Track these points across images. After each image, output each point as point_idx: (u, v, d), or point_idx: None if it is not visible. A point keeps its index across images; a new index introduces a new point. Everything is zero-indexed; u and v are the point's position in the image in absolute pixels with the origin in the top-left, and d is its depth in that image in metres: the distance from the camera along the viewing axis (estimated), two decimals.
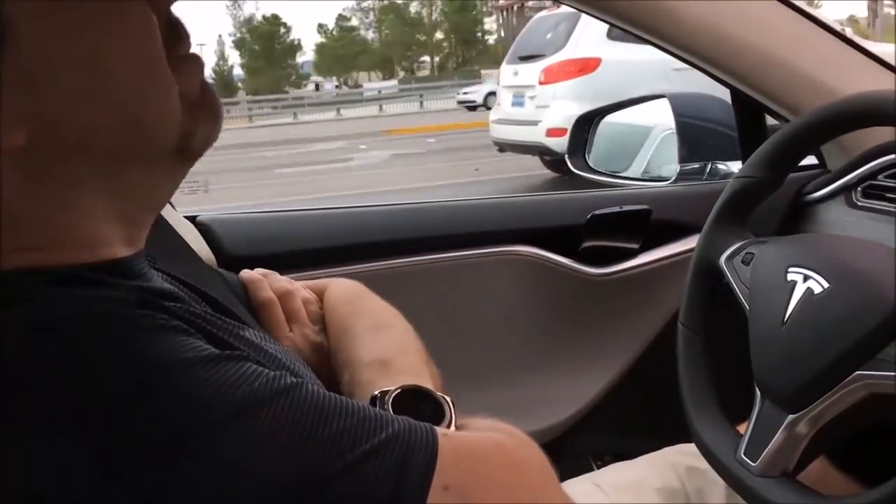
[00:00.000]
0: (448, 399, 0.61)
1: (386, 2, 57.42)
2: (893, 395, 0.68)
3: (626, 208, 1.33)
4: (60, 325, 0.46)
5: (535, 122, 6.82)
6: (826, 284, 0.74)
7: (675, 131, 1.55)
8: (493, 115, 7.89)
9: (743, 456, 0.78)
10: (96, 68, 0.49)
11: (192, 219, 1.18)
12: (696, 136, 1.55)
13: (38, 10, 0.47)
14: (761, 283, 0.81)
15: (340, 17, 58.53)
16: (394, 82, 42.82)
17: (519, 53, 7.56)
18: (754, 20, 1.16)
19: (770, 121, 1.33)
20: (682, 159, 1.52)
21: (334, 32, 58.28)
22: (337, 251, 1.20)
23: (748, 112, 1.35)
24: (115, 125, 0.50)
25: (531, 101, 7.07)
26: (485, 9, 51.38)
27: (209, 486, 0.43)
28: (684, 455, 1.01)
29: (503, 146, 7.81)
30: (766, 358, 0.78)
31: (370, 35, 58.28)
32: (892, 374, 0.68)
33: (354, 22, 58.62)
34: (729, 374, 0.87)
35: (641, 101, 1.77)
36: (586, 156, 1.75)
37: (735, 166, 1.40)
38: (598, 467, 1.30)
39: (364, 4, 57.62)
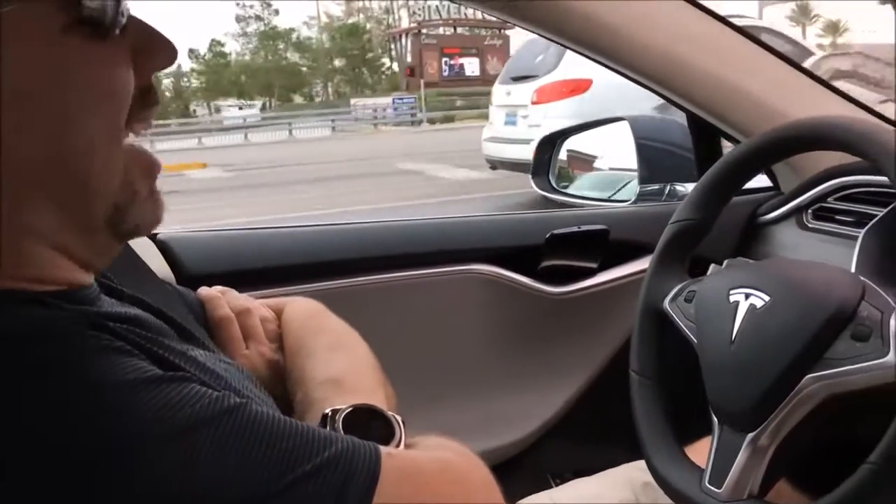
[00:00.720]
0: (398, 418, 0.62)
1: (266, 28, 56.51)
2: (847, 393, 0.70)
3: (584, 228, 1.35)
4: (2, 342, 0.46)
5: (527, 141, 6.92)
6: (767, 298, 0.76)
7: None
8: (485, 133, 8.00)
9: (708, 485, 0.79)
10: (62, 114, 0.49)
11: (151, 236, 1.18)
12: (655, 158, 1.58)
13: (22, 38, 0.47)
14: (706, 312, 0.83)
15: (214, 43, 57.15)
16: (255, 110, 42.10)
17: (511, 74, 7.68)
18: (707, 45, 1.19)
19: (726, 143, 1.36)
20: (642, 180, 1.54)
21: (206, 58, 56.69)
22: (297, 269, 1.20)
23: (703, 135, 1.38)
24: (64, 172, 0.50)
25: (524, 121, 7.21)
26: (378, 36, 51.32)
27: None
28: (641, 471, 1.02)
29: (495, 164, 7.91)
30: (719, 382, 0.80)
31: (257, 60, 56.92)
32: (842, 369, 0.70)
33: (230, 48, 57.35)
34: (682, 411, 0.88)
35: (602, 124, 1.80)
36: (549, 176, 1.78)
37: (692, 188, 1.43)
38: (557, 484, 1.31)
39: (248, 29, 56.64)
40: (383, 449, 0.51)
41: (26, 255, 0.51)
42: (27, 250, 0.51)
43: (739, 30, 1.22)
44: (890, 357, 0.68)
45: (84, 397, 0.45)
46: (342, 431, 0.58)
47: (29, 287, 0.51)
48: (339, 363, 0.72)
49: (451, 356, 1.33)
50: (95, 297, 0.56)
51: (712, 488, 0.78)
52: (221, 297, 0.81)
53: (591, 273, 1.37)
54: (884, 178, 0.74)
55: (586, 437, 1.37)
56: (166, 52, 0.55)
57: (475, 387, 1.35)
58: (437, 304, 1.30)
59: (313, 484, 0.47)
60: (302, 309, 0.83)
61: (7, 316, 0.48)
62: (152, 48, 0.54)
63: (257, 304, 0.82)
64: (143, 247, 1.09)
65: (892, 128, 0.86)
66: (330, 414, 0.60)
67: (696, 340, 0.84)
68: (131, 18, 0.53)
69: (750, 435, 0.76)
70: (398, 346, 1.26)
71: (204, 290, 0.82)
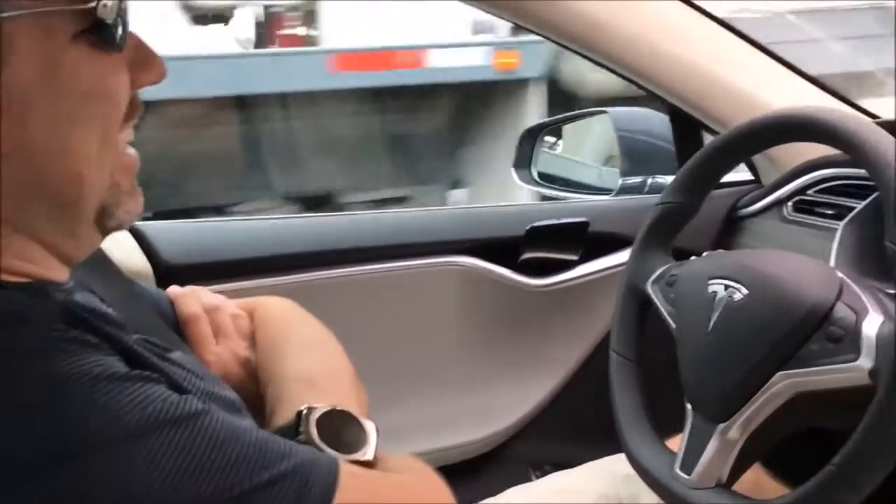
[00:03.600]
0: (373, 426, 0.62)
1: None
2: (818, 392, 0.70)
3: (564, 220, 1.34)
4: None
5: None
6: (745, 291, 0.76)
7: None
8: None
9: (678, 471, 0.80)
10: (67, 117, 0.51)
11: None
12: (637, 151, 1.57)
13: (34, 43, 0.49)
14: (685, 299, 0.83)
15: None
16: None
17: None
18: (688, 36, 1.19)
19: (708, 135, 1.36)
20: (624, 173, 1.54)
21: None
22: (276, 260, 1.19)
23: (685, 127, 1.38)
24: (62, 173, 0.52)
25: None
26: None
27: None
28: (622, 463, 1.02)
29: None
30: (695, 371, 0.80)
31: None
32: (814, 369, 0.70)
33: None
34: (662, 395, 0.88)
35: (584, 116, 1.79)
36: (531, 168, 1.77)
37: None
38: (537, 477, 1.31)
39: None
40: (345, 467, 0.52)
41: (13, 248, 0.52)
42: (15, 244, 0.52)
43: (721, 22, 1.22)
44: (861, 360, 0.68)
45: (45, 387, 0.45)
46: (315, 431, 0.58)
47: (6, 278, 0.51)
48: (313, 362, 0.72)
49: (431, 349, 1.33)
50: (70, 290, 0.56)
51: (682, 474, 0.79)
52: (191, 295, 0.80)
53: (571, 265, 1.37)
54: (863, 171, 0.74)
55: (567, 430, 1.37)
56: (159, 68, 0.57)
57: (455, 380, 1.35)
58: (415, 297, 1.29)
59: (267, 495, 0.47)
60: (275, 307, 0.82)
61: None
62: (146, 64, 0.57)
63: (228, 302, 0.81)
64: (119, 237, 1.08)
65: (870, 120, 0.86)
66: (305, 411, 0.60)
67: (674, 326, 0.84)
68: (129, 33, 0.55)
69: (721, 425, 0.76)
70: (377, 339, 1.26)
71: (174, 289, 0.81)
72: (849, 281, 0.74)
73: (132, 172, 0.58)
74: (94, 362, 0.47)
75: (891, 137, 0.71)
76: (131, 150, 0.59)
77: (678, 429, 0.84)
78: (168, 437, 0.46)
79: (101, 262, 0.71)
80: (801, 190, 1.22)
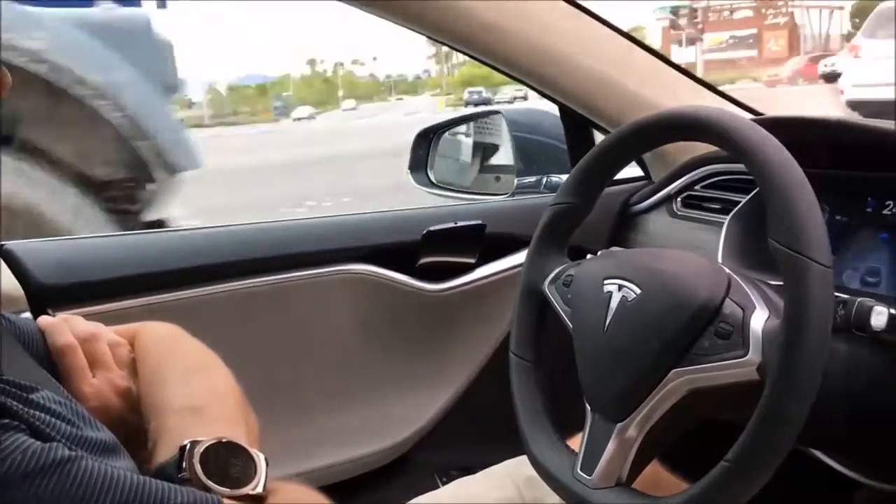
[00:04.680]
0: (261, 456, 0.59)
1: None
2: (711, 388, 0.71)
3: (460, 224, 1.34)
4: None
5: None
6: (638, 290, 0.77)
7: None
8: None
9: (580, 472, 0.80)
10: None
11: None
12: (530, 151, 1.58)
13: None
14: (581, 299, 0.84)
15: None
16: None
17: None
18: (576, 38, 1.20)
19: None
20: (518, 173, 1.54)
21: None
22: (160, 276, 1.13)
23: (576, 127, 1.39)
24: None
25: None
26: None
27: None
28: (523, 466, 1.02)
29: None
30: (592, 370, 0.80)
31: None
32: (706, 366, 0.71)
33: None
34: (562, 396, 0.88)
35: (477, 118, 1.80)
36: (427, 171, 1.76)
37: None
38: (444, 483, 1.30)
39: None
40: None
41: None
42: None
43: (608, 24, 1.23)
44: (749, 355, 0.69)
45: None
46: (199, 467, 0.55)
47: None
48: (197, 389, 0.68)
49: (330, 360, 1.30)
50: None
51: (583, 475, 0.79)
52: (63, 324, 0.75)
53: (469, 269, 1.36)
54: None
55: (472, 434, 1.36)
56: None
57: (357, 389, 1.32)
58: (312, 307, 1.26)
59: None
60: (157, 333, 0.78)
61: None
62: None
63: (106, 330, 0.76)
64: None
65: (751, 118, 0.88)
66: (188, 446, 0.57)
67: (571, 326, 0.84)
68: None
69: (619, 424, 0.77)
70: (270, 355, 1.22)
71: (44, 319, 0.76)
72: (736, 276, 0.76)
73: None
74: None
75: (768, 135, 0.72)
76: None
77: (580, 428, 0.84)
78: (32, 489, 0.43)
79: None
80: (689, 186, 1.25)
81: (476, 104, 30.73)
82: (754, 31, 43.01)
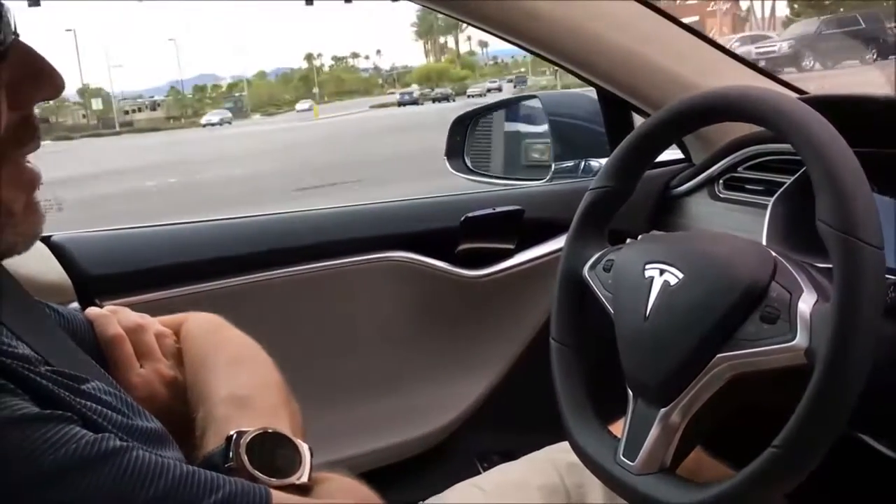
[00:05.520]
0: (305, 446, 0.60)
1: None
2: (756, 373, 0.70)
3: (498, 209, 1.33)
4: None
5: None
6: (681, 275, 0.76)
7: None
8: None
9: (622, 457, 0.79)
10: None
11: (45, 239, 1.10)
12: (568, 135, 1.57)
13: None
14: (622, 284, 0.83)
15: None
16: None
17: None
18: (613, 19, 1.19)
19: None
20: (556, 158, 1.53)
21: None
22: (202, 266, 1.15)
23: (615, 110, 1.37)
24: None
25: None
26: None
27: None
28: (565, 452, 1.01)
29: None
30: (634, 356, 0.80)
31: None
32: (751, 350, 0.70)
33: None
34: (604, 382, 0.88)
35: (514, 102, 1.78)
36: (464, 157, 1.76)
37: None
38: (485, 468, 1.30)
39: None
40: (277, 497, 0.50)
41: None
42: None
43: (647, 3, 1.21)
44: (797, 340, 0.68)
45: None
46: (246, 457, 0.56)
47: None
48: (242, 379, 0.69)
49: (370, 347, 1.30)
50: None
51: (626, 460, 0.78)
52: (111, 316, 0.76)
53: (508, 254, 1.36)
54: (790, 146, 0.74)
55: (512, 420, 1.36)
56: (52, 83, 0.53)
57: (397, 376, 1.33)
58: (352, 295, 1.27)
59: None
60: (202, 323, 0.79)
61: None
62: (37, 78, 0.53)
63: (152, 321, 0.78)
64: (35, 249, 1.02)
65: (795, 96, 0.86)
66: (235, 437, 0.57)
67: (612, 311, 0.83)
68: (18, 45, 0.51)
69: (662, 410, 0.76)
70: (311, 342, 1.23)
71: (92, 310, 0.77)
72: (782, 259, 0.74)
73: (32, 188, 0.54)
74: (1, 405, 0.45)
75: (816, 114, 0.71)
76: (31, 165, 0.54)
77: (622, 414, 0.84)
78: (86, 479, 0.44)
79: (6, 287, 0.67)
80: (732, 167, 1.23)
81: (407, 104, 30.69)
82: (696, 18, 42.38)
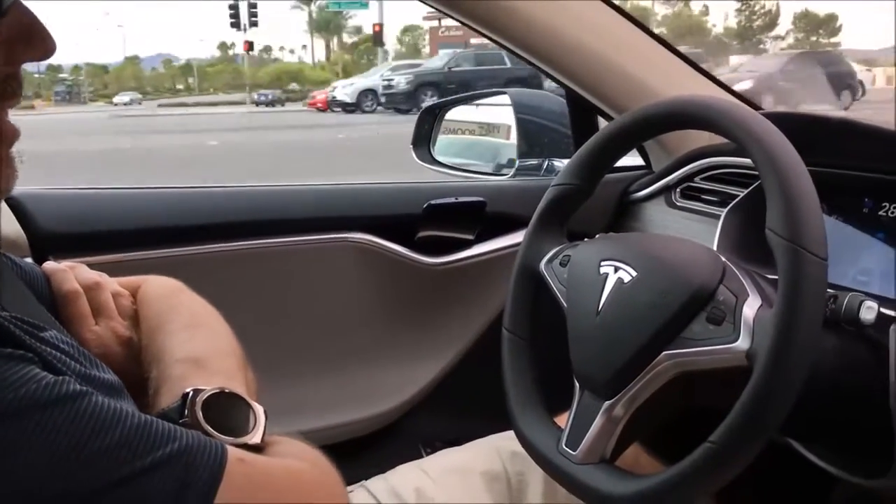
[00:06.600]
0: (261, 409, 0.60)
1: None
2: (699, 371, 0.73)
3: (461, 199, 1.35)
4: None
5: None
6: (634, 273, 0.78)
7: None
8: None
9: (564, 447, 0.81)
10: None
11: None
12: (534, 133, 1.59)
13: None
14: (577, 280, 0.85)
15: None
16: None
17: None
18: (587, 23, 1.21)
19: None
20: (521, 155, 1.55)
21: None
22: (162, 232, 1.14)
23: (581, 111, 1.40)
24: None
25: None
26: None
27: None
28: (509, 440, 1.03)
29: None
30: (583, 350, 0.82)
31: None
32: (696, 350, 0.73)
33: None
34: (552, 374, 0.90)
35: (484, 96, 1.80)
36: (430, 147, 1.76)
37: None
38: (428, 454, 1.31)
39: None
40: (233, 452, 0.51)
41: None
42: None
43: (618, 9, 1.24)
44: (739, 342, 0.71)
45: None
46: (201, 414, 0.56)
47: None
48: (199, 342, 0.69)
49: (325, 324, 1.31)
50: None
51: (568, 450, 0.81)
52: (68, 271, 0.76)
53: (467, 245, 1.37)
54: (747, 160, 0.77)
55: (460, 407, 1.37)
56: (44, 45, 0.54)
57: (349, 355, 1.34)
58: (311, 272, 1.27)
59: (149, 480, 0.45)
60: (160, 286, 0.79)
61: None
62: (31, 38, 0.53)
63: (109, 280, 0.78)
64: None
65: (755, 111, 0.89)
66: (191, 394, 0.58)
67: (566, 305, 0.85)
68: (17, 5, 0.51)
69: (607, 402, 0.78)
70: (268, 315, 1.23)
71: (49, 265, 0.77)
72: (731, 265, 0.77)
73: (10, 143, 0.55)
74: None
75: (774, 126, 0.73)
76: (12, 121, 0.55)
77: (568, 407, 0.86)
78: (44, 420, 0.44)
79: None
80: (689, 177, 1.26)
81: (266, 105, 29.48)
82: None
